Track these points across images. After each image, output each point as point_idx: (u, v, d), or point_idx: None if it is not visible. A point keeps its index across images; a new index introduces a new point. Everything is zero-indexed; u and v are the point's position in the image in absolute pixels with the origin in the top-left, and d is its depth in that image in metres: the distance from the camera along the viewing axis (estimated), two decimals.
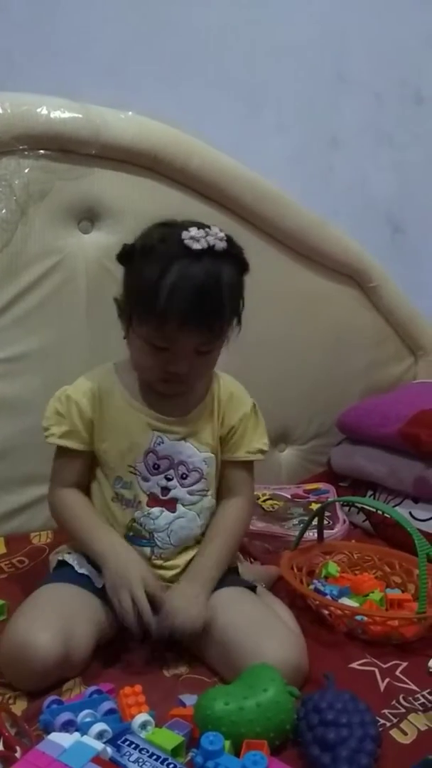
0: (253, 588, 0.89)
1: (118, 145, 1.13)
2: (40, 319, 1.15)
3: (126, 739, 0.64)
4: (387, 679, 0.79)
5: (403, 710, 0.73)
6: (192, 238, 0.76)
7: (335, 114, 1.48)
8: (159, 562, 0.88)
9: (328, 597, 0.94)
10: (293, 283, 1.28)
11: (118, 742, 0.64)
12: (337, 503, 1.27)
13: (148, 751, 0.62)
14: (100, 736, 0.63)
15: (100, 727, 0.64)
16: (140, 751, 0.62)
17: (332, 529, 1.19)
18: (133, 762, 0.60)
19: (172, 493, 0.87)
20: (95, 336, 1.18)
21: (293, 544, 1.04)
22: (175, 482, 0.87)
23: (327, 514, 1.22)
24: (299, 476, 1.46)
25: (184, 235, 0.77)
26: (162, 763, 0.60)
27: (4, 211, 1.10)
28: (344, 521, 1.23)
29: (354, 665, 0.82)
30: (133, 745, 0.63)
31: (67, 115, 1.10)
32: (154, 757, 0.61)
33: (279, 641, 0.77)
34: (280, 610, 0.88)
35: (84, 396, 0.87)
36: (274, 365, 1.27)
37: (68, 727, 0.65)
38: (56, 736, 0.60)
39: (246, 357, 1.27)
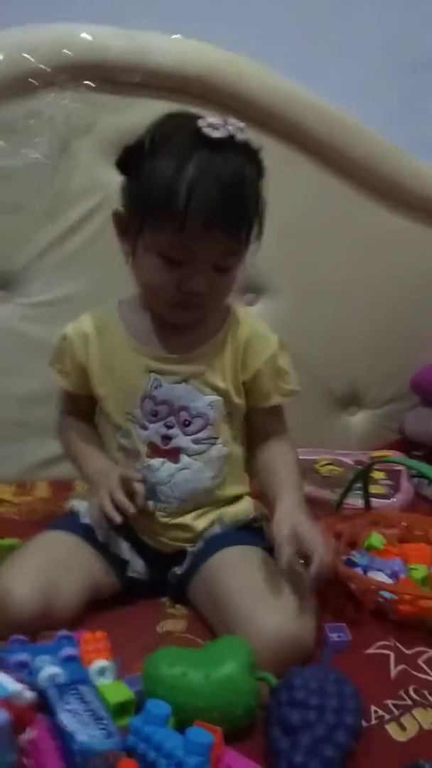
0: (270, 550, 0.79)
1: (165, 70, 1.07)
2: (85, 260, 1.12)
3: (76, 688, 0.59)
4: (402, 666, 0.66)
5: (410, 703, 0.61)
6: (210, 125, 0.69)
7: (423, 32, 1.28)
8: (166, 519, 0.80)
9: (358, 569, 0.82)
10: (362, 220, 1.13)
11: (68, 688, 0.59)
12: (404, 471, 1.13)
13: (88, 705, 0.56)
14: (52, 679, 0.58)
15: (51, 670, 0.58)
16: (81, 702, 0.56)
17: (389, 498, 1.05)
18: (66, 711, 0.55)
19: (173, 442, 0.79)
20: None
21: (334, 506, 0.93)
22: (176, 430, 0.79)
23: (389, 482, 1.08)
24: (372, 443, 1.32)
25: (201, 122, 0.69)
26: (96, 720, 0.54)
27: (46, 146, 1.07)
28: (408, 490, 1.09)
29: (370, 647, 0.70)
30: (77, 696, 0.57)
31: (110, 41, 1.04)
32: (90, 712, 0.55)
33: (276, 609, 0.67)
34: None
35: (78, 337, 0.82)
36: (337, 316, 1.14)
37: (21, 668, 0.61)
38: None
39: (303, 305, 1.17)
